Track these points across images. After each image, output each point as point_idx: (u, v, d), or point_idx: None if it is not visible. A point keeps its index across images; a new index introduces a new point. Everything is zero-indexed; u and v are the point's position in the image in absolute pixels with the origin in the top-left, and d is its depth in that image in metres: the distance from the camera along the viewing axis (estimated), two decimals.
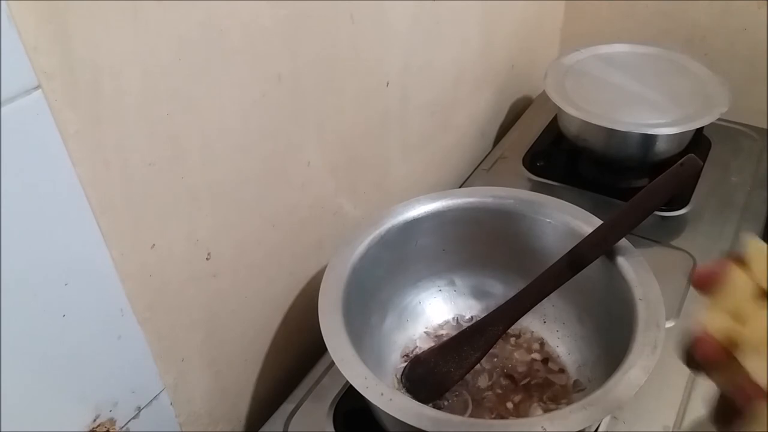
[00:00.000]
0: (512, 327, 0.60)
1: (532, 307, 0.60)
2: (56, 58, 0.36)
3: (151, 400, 0.51)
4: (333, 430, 0.59)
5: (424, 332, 0.67)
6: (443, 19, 0.74)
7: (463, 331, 0.62)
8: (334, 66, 0.59)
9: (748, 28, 0.97)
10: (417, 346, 0.65)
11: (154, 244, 0.47)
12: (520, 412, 0.59)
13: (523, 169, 0.90)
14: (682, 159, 0.58)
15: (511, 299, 0.60)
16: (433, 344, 0.64)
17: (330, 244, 0.67)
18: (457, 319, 0.68)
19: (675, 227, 0.78)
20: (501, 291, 0.67)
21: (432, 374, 0.60)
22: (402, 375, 0.62)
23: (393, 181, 0.76)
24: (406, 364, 0.63)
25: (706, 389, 0.36)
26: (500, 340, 0.61)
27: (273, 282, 0.62)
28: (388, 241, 0.62)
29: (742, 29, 0.98)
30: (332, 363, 0.56)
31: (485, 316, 0.61)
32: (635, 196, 0.58)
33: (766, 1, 0.94)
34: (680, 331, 0.36)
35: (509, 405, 0.60)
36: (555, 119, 0.91)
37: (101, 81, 0.39)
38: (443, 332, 0.67)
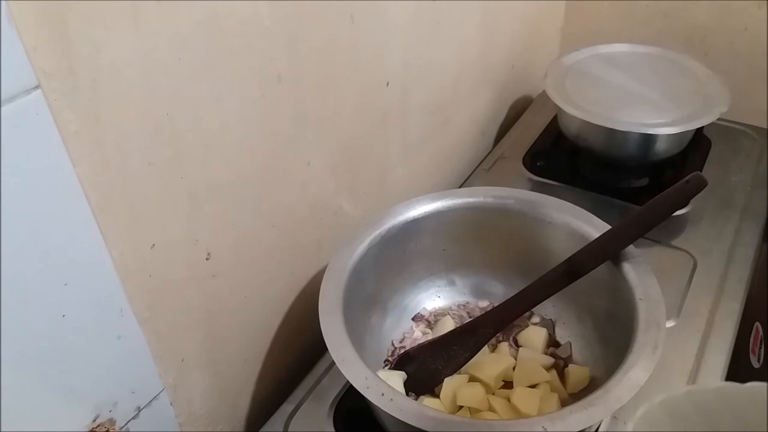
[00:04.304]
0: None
1: (524, 312, 0.61)
2: (56, 58, 0.36)
3: (150, 401, 0.51)
4: (333, 430, 0.59)
5: (424, 332, 0.67)
6: (443, 19, 0.74)
7: (454, 330, 0.62)
8: (334, 66, 0.59)
9: (748, 27, 0.97)
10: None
11: (153, 244, 0.47)
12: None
13: (523, 169, 0.90)
14: (688, 176, 0.58)
15: (504, 303, 0.60)
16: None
17: (330, 244, 0.67)
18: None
19: (675, 227, 0.78)
20: (501, 291, 0.67)
21: (420, 370, 0.60)
22: (390, 369, 0.62)
23: (393, 181, 0.76)
24: (394, 358, 0.63)
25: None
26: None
27: (273, 282, 0.62)
28: (388, 241, 0.62)
29: (742, 29, 0.98)
30: (332, 363, 0.56)
31: (477, 318, 0.61)
32: (638, 209, 0.58)
33: (766, 1, 0.94)
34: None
35: None
36: (555, 119, 0.91)
37: (101, 81, 0.39)
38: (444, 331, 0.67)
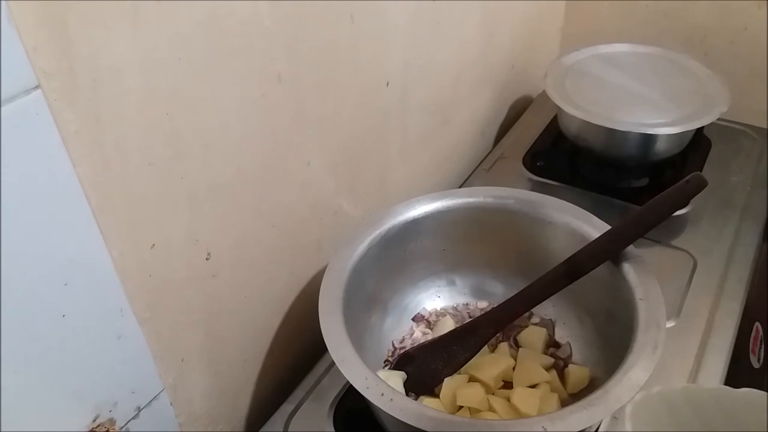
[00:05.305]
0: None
1: (524, 312, 0.61)
2: (56, 58, 0.36)
3: (150, 401, 0.51)
4: (333, 430, 0.59)
5: (424, 332, 0.67)
6: (443, 19, 0.74)
7: (454, 330, 0.62)
8: (334, 66, 0.59)
9: (749, 27, 0.97)
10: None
11: (153, 244, 0.47)
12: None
13: (523, 169, 0.90)
14: (688, 176, 0.58)
15: (504, 303, 0.60)
16: None
17: (330, 244, 0.67)
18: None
19: (675, 227, 0.78)
20: (501, 291, 0.67)
21: (420, 370, 0.60)
22: (390, 369, 0.62)
23: (393, 181, 0.76)
24: (394, 358, 0.63)
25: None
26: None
27: (273, 282, 0.62)
28: (388, 241, 0.62)
29: (743, 29, 0.98)
30: (332, 363, 0.56)
31: (477, 318, 0.61)
32: (638, 209, 0.58)
33: (766, 1, 0.94)
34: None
35: None
36: (555, 119, 0.91)
37: (101, 81, 0.39)
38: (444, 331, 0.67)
